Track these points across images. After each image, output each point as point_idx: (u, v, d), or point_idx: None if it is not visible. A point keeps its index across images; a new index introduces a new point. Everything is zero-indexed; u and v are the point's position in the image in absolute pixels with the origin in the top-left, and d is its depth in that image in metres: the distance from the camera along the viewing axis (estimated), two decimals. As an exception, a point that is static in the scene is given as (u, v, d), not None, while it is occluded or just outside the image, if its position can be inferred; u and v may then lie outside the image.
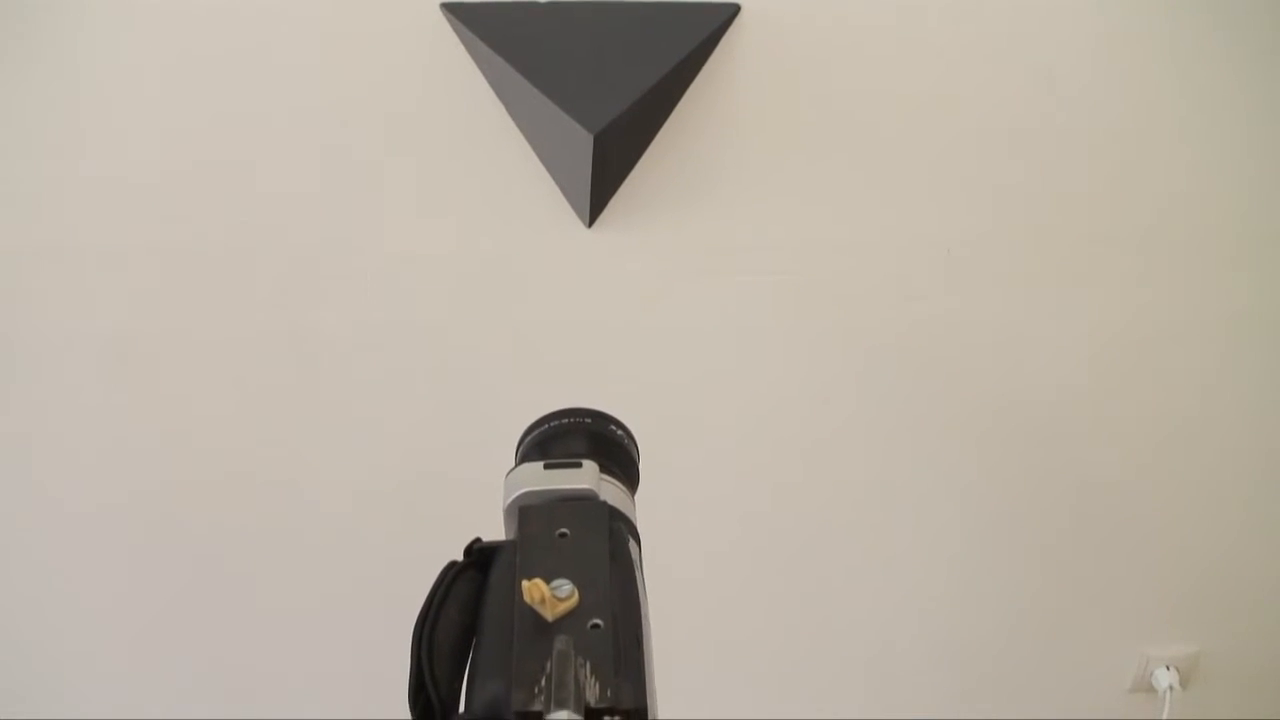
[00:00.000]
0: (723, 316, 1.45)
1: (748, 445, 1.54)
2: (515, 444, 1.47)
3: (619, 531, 0.78)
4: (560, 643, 0.65)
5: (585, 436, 0.88)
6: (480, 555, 0.77)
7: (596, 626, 0.68)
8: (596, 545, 0.75)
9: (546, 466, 0.82)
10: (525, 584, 0.68)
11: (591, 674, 0.65)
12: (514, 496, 0.80)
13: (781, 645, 1.75)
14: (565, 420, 0.89)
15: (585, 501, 0.79)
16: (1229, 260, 1.44)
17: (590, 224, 1.36)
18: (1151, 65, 1.32)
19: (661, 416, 1.49)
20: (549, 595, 0.68)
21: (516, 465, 0.85)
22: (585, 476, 0.81)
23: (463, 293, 1.41)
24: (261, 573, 1.65)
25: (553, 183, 1.34)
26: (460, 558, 0.77)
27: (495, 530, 0.82)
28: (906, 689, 1.78)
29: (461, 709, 0.70)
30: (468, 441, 1.51)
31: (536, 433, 0.89)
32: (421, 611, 0.73)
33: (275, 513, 1.58)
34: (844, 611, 1.72)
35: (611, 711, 0.64)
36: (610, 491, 0.82)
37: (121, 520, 1.58)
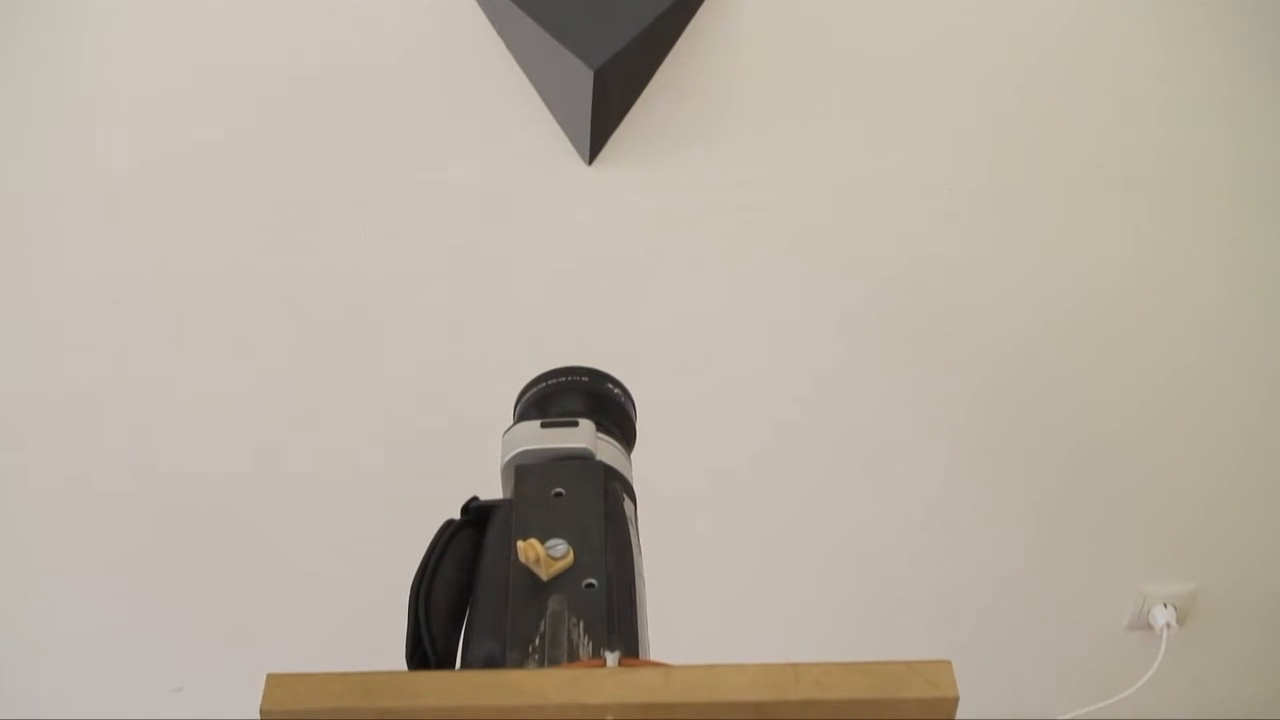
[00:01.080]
0: (722, 253, 1.44)
1: (745, 383, 1.54)
2: (511, 381, 1.48)
3: (615, 491, 0.78)
4: (554, 603, 0.65)
5: (582, 395, 0.88)
6: (477, 514, 0.77)
7: (591, 586, 0.68)
8: (592, 505, 0.75)
9: (543, 425, 0.82)
10: (520, 544, 0.68)
11: (585, 633, 0.65)
12: (510, 455, 0.80)
13: (781, 582, 1.75)
14: (563, 378, 0.89)
15: (581, 461, 0.79)
16: (1231, 202, 1.43)
17: (590, 161, 1.35)
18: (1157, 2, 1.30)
19: (659, 352, 1.49)
20: (544, 555, 0.68)
21: (514, 423, 0.85)
22: (582, 435, 0.81)
23: (461, 230, 1.40)
24: (255, 531, 1.65)
25: (552, 119, 1.32)
26: (457, 515, 0.77)
27: (493, 483, 0.81)
28: (905, 626, 1.79)
29: (457, 666, 0.71)
30: (465, 385, 1.50)
31: (534, 391, 0.89)
32: (419, 569, 0.74)
33: (269, 467, 1.58)
34: (842, 549, 1.73)
35: None
36: (607, 450, 0.82)
37: (115, 474, 1.58)
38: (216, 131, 1.32)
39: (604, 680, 0.59)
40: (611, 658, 0.61)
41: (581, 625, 0.65)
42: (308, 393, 1.53)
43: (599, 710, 0.58)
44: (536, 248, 1.42)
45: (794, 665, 0.59)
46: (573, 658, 0.63)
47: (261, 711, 0.57)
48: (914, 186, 1.40)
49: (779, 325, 1.50)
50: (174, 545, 1.66)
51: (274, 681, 0.58)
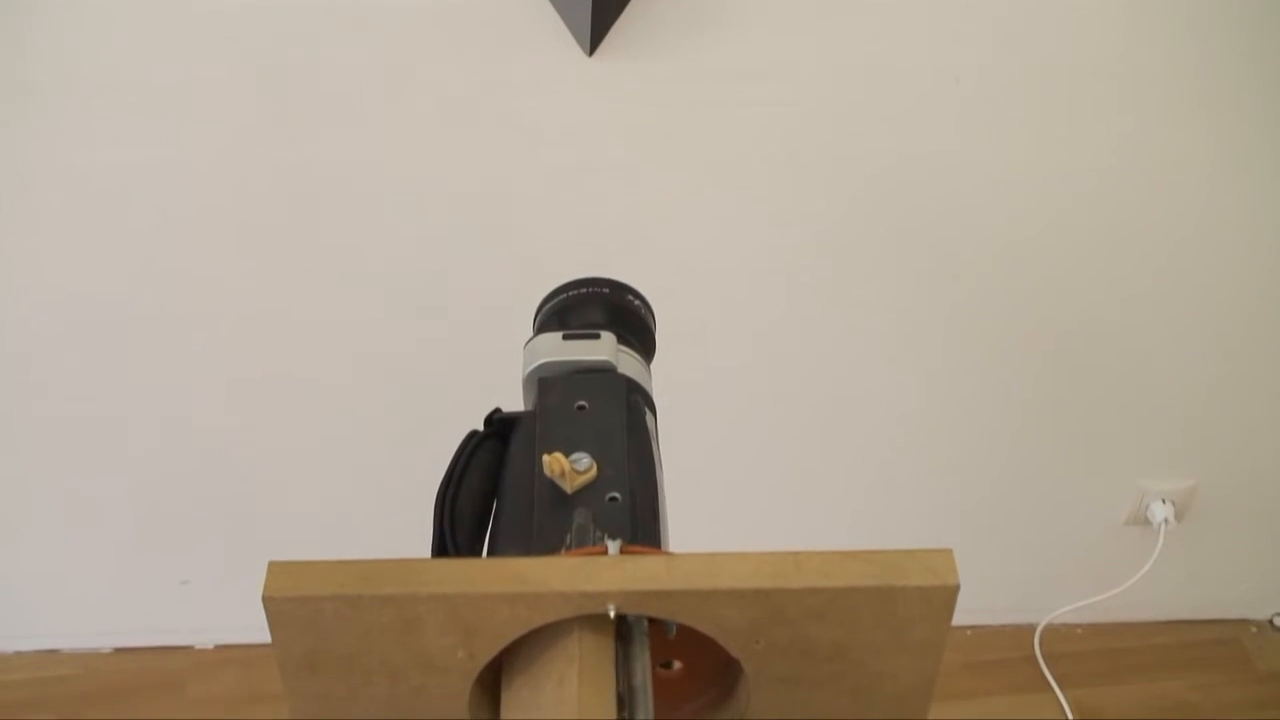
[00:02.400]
0: (723, 145, 1.42)
1: (743, 276, 1.53)
2: (511, 277, 1.47)
3: (637, 404, 0.78)
4: (579, 516, 0.65)
5: (603, 306, 0.87)
6: (500, 425, 0.77)
7: (614, 499, 0.68)
8: (614, 418, 0.74)
9: (565, 337, 0.81)
10: (546, 457, 0.68)
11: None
12: (533, 367, 0.80)
13: (780, 476, 1.76)
14: (583, 290, 0.88)
15: (603, 374, 0.79)
16: (1231, 95, 1.40)
17: (591, 52, 1.33)
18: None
19: (659, 244, 1.48)
20: (569, 468, 0.68)
21: (534, 334, 0.84)
22: (603, 348, 0.80)
23: (460, 121, 1.38)
24: (261, 436, 1.66)
25: (553, 10, 1.30)
26: (475, 426, 0.77)
27: (511, 386, 0.81)
28: (904, 521, 1.80)
29: None
30: (465, 283, 1.50)
31: (554, 302, 0.88)
32: (443, 479, 0.74)
33: (274, 370, 1.58)
34: (843, 443, 1.73)
35: None
36: (628, 363, 0.82)
37: (117, 385, 1.58)
38: (214, 27, 1.30)
39: (606, 568, 0.59)
40: (613, 546, 0.62)
41: (605, 538, 0.65)
42: (310, 294, 1.52)
43: (601, 598, 0.59)
44: (536, 140, 1.40)
45: (795, 554, 0.60)
46: None
47: (264, 598, 0.58)
48: (916, 80, 1.37)
49: (778, 218, 1.49)
50: (180, 446, 1.67)
51: (276, 569, 0.58)
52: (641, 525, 0.68)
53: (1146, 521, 1.83)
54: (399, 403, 1.63)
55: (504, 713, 0.62)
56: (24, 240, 1.46)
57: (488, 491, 0.75)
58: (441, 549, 0.72)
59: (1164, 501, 1.81)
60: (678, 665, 0.65)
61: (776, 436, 1.71)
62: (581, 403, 0.76)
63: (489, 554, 0.71)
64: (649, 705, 0.60)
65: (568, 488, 0.68)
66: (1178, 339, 1.65)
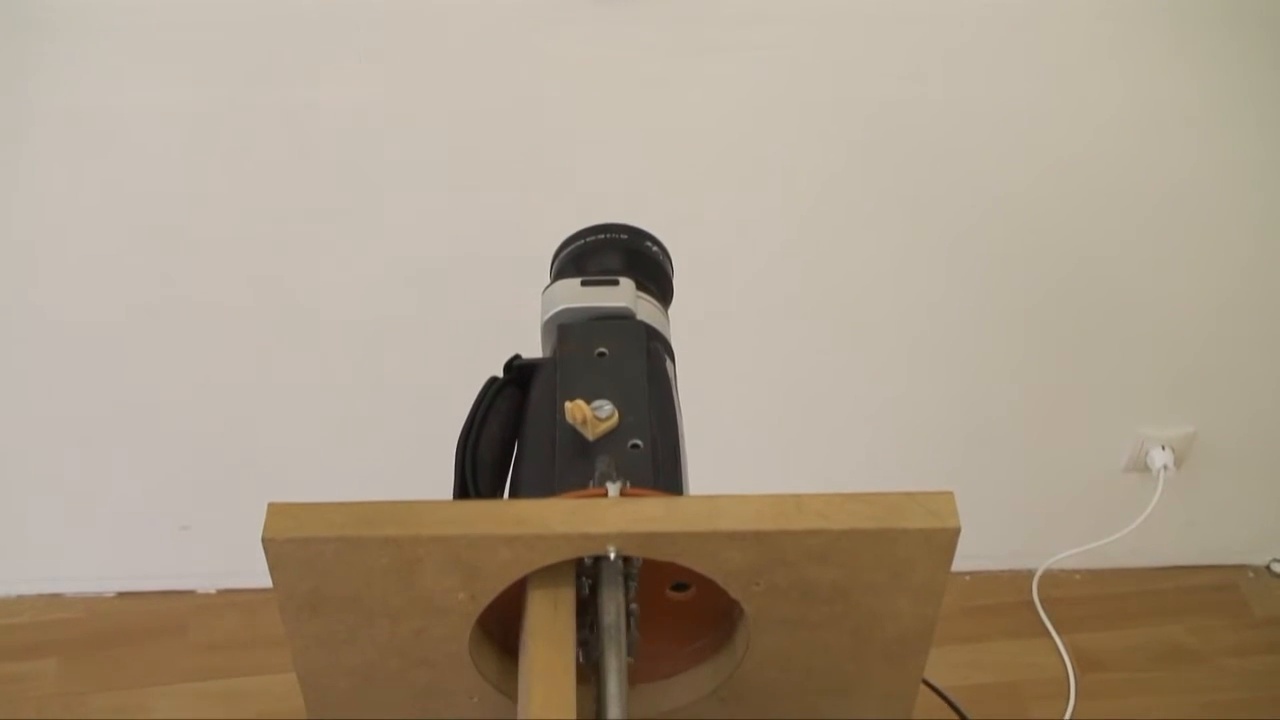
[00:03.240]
0: (730, 88, 1.41)
1: (745, 218, 1.52)
2: (517, 218, 1.46)
3: (656, 351, 0.78)
4: (602, 463, 0.65)
5: (621, 252, 0.87)
6: (520, 372, 0.77)
7: (636, 447, 0.68)
8: (635, 365, 0.74)
9: (584, 283, 0.81)
10: (568, 405, 0.68)
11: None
12: (551, 313, 0.79)
13: (781, 418, 1.76)
14: (601, 236, 0.87)
15: (623, 320, 0.79)
16: (1229, 38, 1.39)
17: (596, -7, 1.31)
18: None
19: (663, 185, 1.47)
20: (590, 415, 0.68)
21: (552, 281, 0.84)
22: (622, 294, 0.80)
23: (466, 65, 1.36)
24: (265, 378, 1.65)
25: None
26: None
27: (523, 333, 0.80)
28: (901, 467, 1.80)
29: None
30: (472, 225, 1.49)
31: (572, 248, 0.87)
32: (464, 426, 0.74)
33: (283, 311, 1.58)
34: (843, 388, 1.73)
35: None
36: (646, 309, 0.81)
37: (119, 319, 1.58)
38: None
39: (606, 510, 0.59)
40: (614, 487, 0.61)
41: (627, 485, 0.65)
42: (316, 238, 1.51)
43: (601, 539, 0.59)
44: (541, 82, 1.38)
45: (796, 496, 0.60)
46: None
47: (263, 539, 0.58)
48: (918, 25, 1.36)
49: (781, 162, 1.47)
50: (184, 389, 1.67)
51: (275, 510, 0.58)
52: (664, 472, 0.68)
53: (1146, 468, 1.83)
54: (403, 349, 1.63)
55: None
56: (24, 178, 1.45)
57: (507, 438, 0.75)
58: (463, 495, 0.72)
59: (1163, 448, 1.81)
60: (692, 590, 0.65)
61: (777, 381, 1.71)
62: (602, 349, 0.75)
63: (510, 499, 0.71)
64: (621, 642, 0.60)
65: (589, 435, 0.68)
66: (1179, 285, 1.64)
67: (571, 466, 0.67)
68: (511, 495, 0.72)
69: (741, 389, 1.70)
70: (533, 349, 0.79)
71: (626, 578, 0.63)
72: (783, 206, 1.52)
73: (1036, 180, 1.51)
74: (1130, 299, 1.65)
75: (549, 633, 0.61)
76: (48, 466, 1.76)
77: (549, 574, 0.62)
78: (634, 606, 0.64)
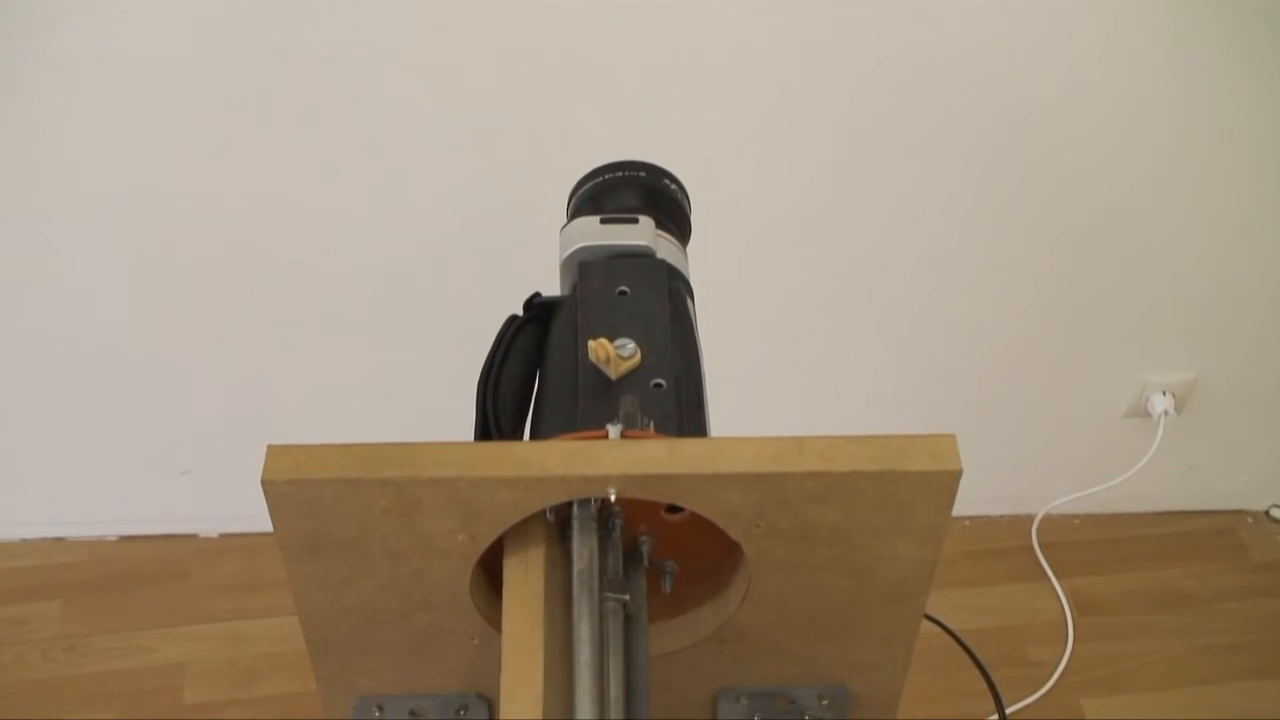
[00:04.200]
0: (738, 24, 1.39)
1: (753, 159, 1.51)
2: (523, 152, 1.45)
3: (678, 290, 0.77)
4: (626, 402, 0.64)
5: (639, 190, 0.86)
6: (540, 310, 0.77)
7: (659, 386, 0.68)
8: (657, 304, 0.74)
9: (603, 221, 0.80)
10: (591, 343, 0.67)
11: (655, 433, 0.65)
12: (570, 251, 0.79)
13: (784, 361, 1.75)
14: (619, 173, 0.86)
15: (644, 259, 0.78)
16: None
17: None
18: None
19: (668, 130, 1.45)
20: (613, 354, 0.67)
21: (570, 219, 0.83)
22: (642, 232, 0.79)
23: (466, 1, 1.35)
24: (270, 323, 1.65)
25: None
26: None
27: (530, 275, 0.80)
28: (905, 411, 1.80)
29: None
30: (484, 165, 1.47)
31: (589, 185, 0.86)
32: (485, 364, 0.73)
33: (289, 256, 1.57)
34: (844, 333, 1.73)
35: None
36: (666, 248, 0.81)
37: (119, 264, 1.57)
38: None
39: (606, 451, 0.59)
40: (614, 430, 0.61)
41: (652, 425, 0.65)
42: (319, 178, 1.50)
43: (601, 481, 0.58)
44: (547, 19, 1.36)
45: (798, 438, 0.59)
46: None
47: (263, 481, 0.57)
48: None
49: (787, 106, 1.46)
50: (186, 333, 1.66)
51: (275, 452, 0.58)
52: (687, 412, 0.68)
53: (1146, 414, 1.83)
54: (407, 293, 1.62)
55: None
56: (17, 120, 1.43)
57: (528, 377, 0.74)
58: (485, 433, 0.71)
59: (1164, 394, 1.81)
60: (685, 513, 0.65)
61: (781, 323, 1.71)
62: (623, 288, 0.75)
63: (532, 439, 0.71)
64: (593, 587, 0.60)
65: (612, 374, 0.67)
66: (1181, 231, 1.63)
67: (594, 405, 0.66)
68: (533, 434, 0.72)
69: (743, 333, 1.70)
70: (540, 291, 0.78)
71: (609, 519, 0.63)
72: (787, 152, 1.51)
73: (1041, 126, 1.50)
74: (1133, 245, 1.64)
75: (519, 596, 0.61)
76: (49, 411, 1.76)
77: (522, 535, 0.62)
78: (646, 539, 0.64)
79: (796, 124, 1.49)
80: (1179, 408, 1.82)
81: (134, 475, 1.85)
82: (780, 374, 1.77)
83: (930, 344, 1.75)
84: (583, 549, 0.61)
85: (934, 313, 1.71)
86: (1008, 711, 1.67)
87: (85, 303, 1.62)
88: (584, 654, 0.57)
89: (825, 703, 0.72)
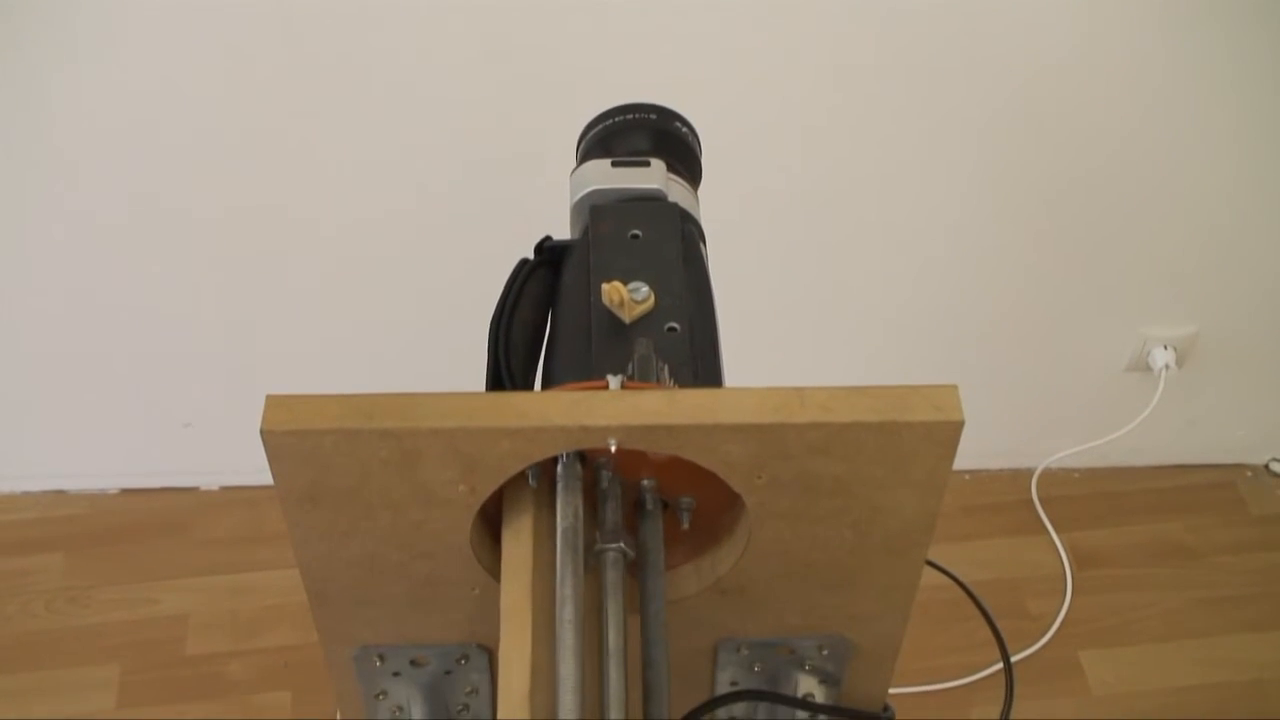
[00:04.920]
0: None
1: (758, 109, 1.50)
2: (534, 126, 1.44)
3: (690, 234, 0.76)
4: (642, 346, 0.64)
5: (650, 133, 0.85)
6: (551, 254, 0.76)
7: (673, 330, 0.67)
8: (670, 248, 0.73)
9: (614, 164, 0.79)
10: (605, 286, 0.66)
11: (670, 377, 0.65)
12: (581, 194, 0.78)
13: (788, 311, 1.75)
14: (629, 116, 0.85)
15: (656, 202, 0.77)
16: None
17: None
18: None
19: (676, 76, 1.45)
20: (627, 297, 0.66)
21: (579, 163, 0.82)
22: (654, 176, 0.78)
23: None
24: (271, 275, 1.64)
25: None
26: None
27: (549, 218, 0.79)
28: (906, 363, 1.80)
29: None
30: (487, 113, 1.46)
31: (599, 129, 0.85)
32: (496, 309, 0.73)
33: (292, 206, 1.56)
34: (847, 286, 1.72)
35: None
36: (678, 191, 0.80)
37: (120, 217, 1.56)
38: None
39: (607, 402, 0.59)
40: (614, 380, 0.61)
41: (666, 369, 0.64)
42: (319, 128, 1.49)
43: (601, 432, 0.58)
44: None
45: (799, 389, 0.59)
46: None
47: (262, 431, 0.57)
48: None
49: (795, 56, 1.45)
50: (187, 286, 1.66)
51: (274, 402, 0.58)
52: (701, 356, 0.67)
53: (1147, 368, 1.83)
54: (407, 243, 1.62)
55: None
56: (18, 66, 1.42)
57: (539, 321, 0.74)
58: (497, 378, 0.71)
59: (1165, 348, 1.81)
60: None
61: (781, 276, 1.70)
62: (635, 231, 0.74)
63: (544, 385, 0.71)
64: (578, 544, 0.60)
65: (625, 318, 0.67)
66: (1183, 184, 1.62)
67: (608, 349, 0.66)
68: (545, 379, 0.71)
69: (744, 284, 1.69)
70: (551, 235, 0.77)
71: (598, 472, 0.63)
72: (794, 103, 1.50)
73: (1043, 82, 1.50)
74: (1136, 198, 1.64)
75: (511, 565, 0.62)
76: (51, 364, 1.76)
77: (514, 503, 0.63)
78: (650, 482, 0.64)
79: (805, 75, 1.47)
80: (1180, 362, 1.82)
81: (134, 428, 1.85)
82: (781, 326, 1.76)
83: (932, 298, 1.74)
84: (566, 508, 0.61)
85: (935, 266, 1.70)
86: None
87: (86, 255, 1.62)
88: (566, 612, 0.58)
89: (825, 653, 0.72)
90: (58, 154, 1.51)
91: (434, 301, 1.65)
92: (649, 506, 0.65)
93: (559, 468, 0.62)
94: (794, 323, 1.77)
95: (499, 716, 0.58)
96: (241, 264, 1.64)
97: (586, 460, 0.64)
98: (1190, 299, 1.78)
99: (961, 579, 0.80)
